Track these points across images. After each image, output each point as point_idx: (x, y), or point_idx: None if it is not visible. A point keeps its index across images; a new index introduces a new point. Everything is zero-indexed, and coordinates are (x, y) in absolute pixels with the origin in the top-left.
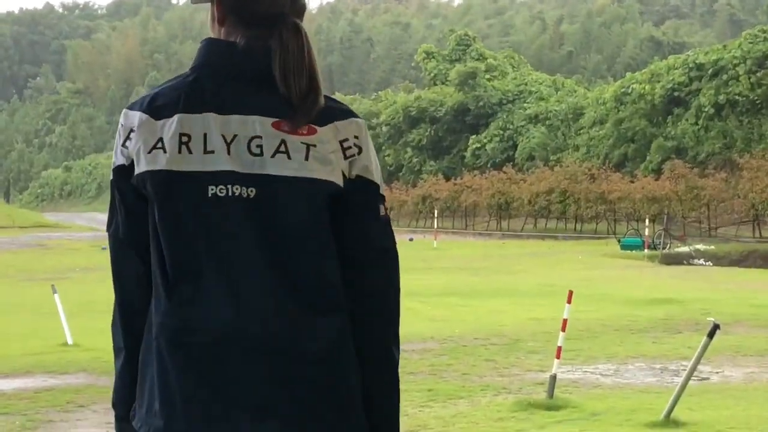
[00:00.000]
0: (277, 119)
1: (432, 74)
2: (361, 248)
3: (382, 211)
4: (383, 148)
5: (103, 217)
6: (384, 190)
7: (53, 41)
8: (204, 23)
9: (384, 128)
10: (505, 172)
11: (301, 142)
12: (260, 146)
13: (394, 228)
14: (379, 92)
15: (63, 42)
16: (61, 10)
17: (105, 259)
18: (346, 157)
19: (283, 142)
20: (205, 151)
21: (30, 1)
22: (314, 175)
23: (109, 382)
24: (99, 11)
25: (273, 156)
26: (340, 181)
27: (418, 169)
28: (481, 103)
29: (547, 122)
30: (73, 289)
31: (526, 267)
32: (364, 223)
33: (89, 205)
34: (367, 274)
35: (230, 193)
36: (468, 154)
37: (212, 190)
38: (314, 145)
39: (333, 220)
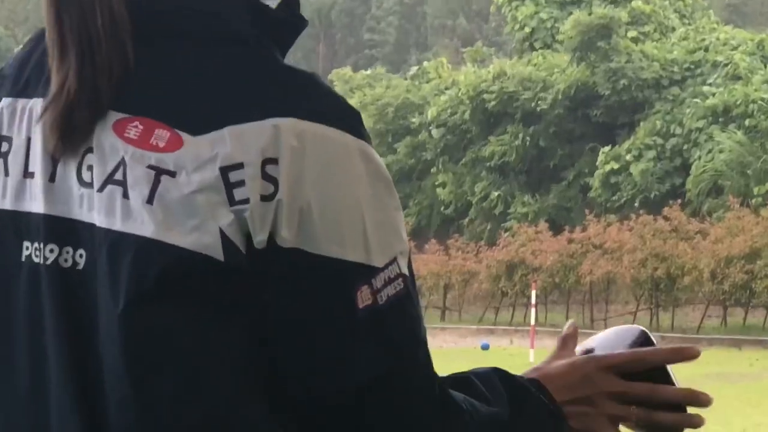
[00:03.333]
0: (128, 115)
1: (526, 29)
2: (315, 387)
3: (365, 299)
4: (432, 171)
5: None
6: (383, 256)
7: None
8: None
9: (434, 133)
10: (666, 218)
11: (149, 166)
12: (91, 168)
13: (453, 324)
14: (425, 63)
15: None
16: None
17: None
18: (233, 203)
19: (122, 162)
20: (25, 174)
21: None
22: (160, 234)
23: None
24: None
25: (101, 189)
26: (216, 251)
27: (501, 210)
28: (621, 85)
29: (748, 122)
30: None
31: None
32: (313, 334)
33: None
34: None
35: (45, 259)
36: (596, 182)
37: (27, 249)
38: (171, 173)
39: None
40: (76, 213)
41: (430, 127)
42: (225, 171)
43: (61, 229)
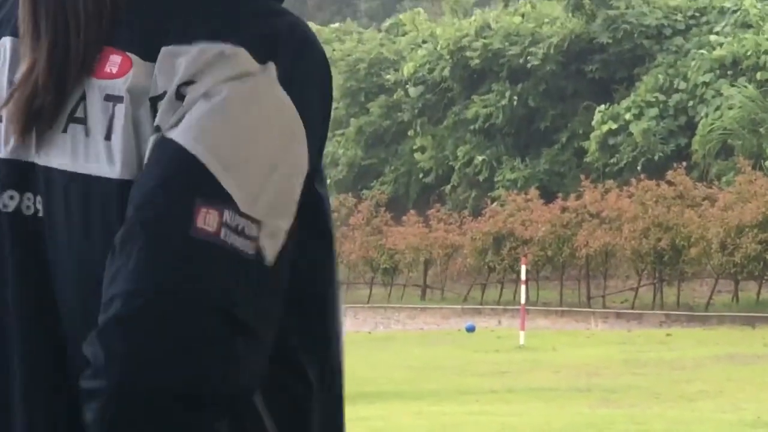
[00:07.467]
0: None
1: None
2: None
3: (210, 221)
4: (409, 134)
5: None
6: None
7: None
8: None
9: (411, 91)
10: (670, 183)
11: (105, 97)
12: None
13: (434, 303)
14: (400, 15)
15: None
16: None
17: None
18: (154, 131)
19: (82, 97)
20: None
21: None
22: (122, 173)
23: None
24: None
25: (65, 129)
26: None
27: (487, 177)
28: (619, 36)
29: (760, 75)
30: None
31: (716, 385)
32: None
33: None
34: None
35: (4, 206)
36: (592, 144)
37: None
38: (120, 99)
39: None
40: (33, 156)
41: (407, 85)
42: (154, 101)
43: (19, 173)
